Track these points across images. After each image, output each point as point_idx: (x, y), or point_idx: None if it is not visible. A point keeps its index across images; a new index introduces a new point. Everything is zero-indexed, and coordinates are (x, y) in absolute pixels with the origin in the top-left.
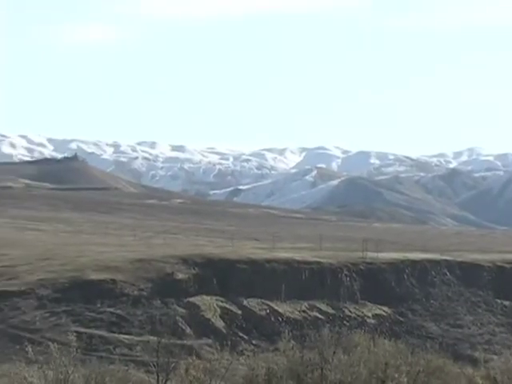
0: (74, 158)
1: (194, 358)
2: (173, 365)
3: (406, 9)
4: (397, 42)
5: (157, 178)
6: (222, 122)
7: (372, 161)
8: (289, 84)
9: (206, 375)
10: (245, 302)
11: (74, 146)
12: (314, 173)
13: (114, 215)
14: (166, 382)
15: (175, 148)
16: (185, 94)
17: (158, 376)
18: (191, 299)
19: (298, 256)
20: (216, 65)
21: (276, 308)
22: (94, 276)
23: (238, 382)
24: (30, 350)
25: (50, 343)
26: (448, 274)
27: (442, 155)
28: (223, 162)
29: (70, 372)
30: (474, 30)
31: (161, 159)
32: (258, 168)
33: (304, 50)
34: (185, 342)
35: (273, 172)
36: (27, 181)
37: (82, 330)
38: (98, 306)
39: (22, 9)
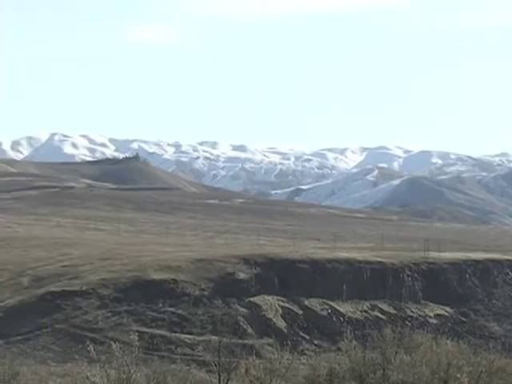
0: (136, 158)
1: (255, 357)
2: (234, 364)
3: (457, 7)
4: (451, 40)
5: (218, 178)
6: (283, 121)
7: (434, 160)
8: (350, 83)
9: (267, 375)
10: (306, 302)
11: (135, 146)
12: (376, 172)
13: (176, 215)
14: (227, 381)
15: (236, 148)
16: (246, 94)
17: (219, 376)
18: (252, 299)
19: (359, 256)
20: (276, 64)
21: (337, 308)
22: (155, 276)
23: (300, 382)
24: (92, 349)
25: (111, 343)
26: (510, 273)
27: (504, 154)
28: (284, 161)
29: (132, 371)
30: None
31: (222, 159)
32: (319, 168)
33: (362, 49)
34: (246, 341)
35: (334, 172)
36: (89, 181)
37: (144, 329)
38: (160, 305)
39: (89, 9)
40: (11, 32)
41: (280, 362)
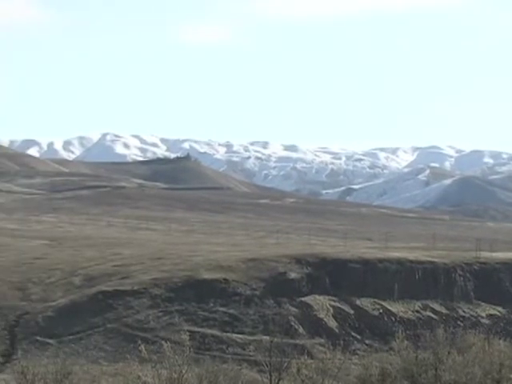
0: (187, 157)
1: (306, 357)
2: (285, 364)
3: None
4: (508, 39)
5: (269, 178)
6: (334, 121)
7: (486, 160)
8: (402, 83)
9: (319, 374)
10: (357, 302)
11: (186, 145)
12: (427, 172)
13: (227, 215)
14: (278, 381)
15: (287, 148)
16: (297, 93)
17: (270, 375)
18: (304, 299)
19: (410, 255)
20: (327, 64)
21: (389, 308)
22: (206, 275)
23: (352, 382)
24: (144, 349)
25: (163, 342)
26: None
27: None
28: (335, 161)
29: (183, 371)
30: None
31: (273, 159)
32: (370, 167)
33: (413, 49)
34: (297, 341)
35: (385, 171)
36: (140, 181)
37: (195, 329)
38: (211, 305)
39: (138, 10)
40: (64, 33)
41: (332, 362)
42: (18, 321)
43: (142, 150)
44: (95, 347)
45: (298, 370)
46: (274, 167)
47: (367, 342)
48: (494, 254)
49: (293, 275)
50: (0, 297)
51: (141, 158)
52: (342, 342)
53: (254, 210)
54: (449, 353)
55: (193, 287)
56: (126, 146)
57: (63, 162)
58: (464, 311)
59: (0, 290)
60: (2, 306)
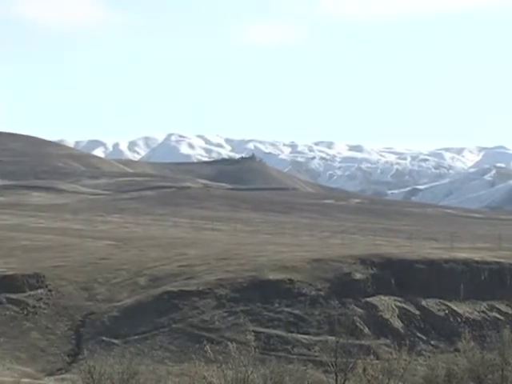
0: (252, 158)
1: (372, 358)
2: (351, 365)
3: None
4: None
5: (334, 178)
6: (399, 121)
7: None
8: (468, 83)
9: (385, 375)
10: (423, 302)
11: (251, 146)
12: (493, 172)
13: (292, 215)
14: (344, 381)
15: (352, 148)
16: (362, 93)
17: (336, 376)
18: (369, 299)
19: (476, 256)
20: (392, 64)
21: (455, 308)
22: (271, 276)
23: (418, 383)
24: (209, 349)
25: (228, 343)
26: None
27: None
28: (401, 161)
29: (249, 372)
30: None
31: (338, 159)
32: (435, 167)
33: (480, 47)
34: (363, 342)
35: (451, 171)
36: (205, 181)
37: (260, 329)
38: (276, 305)
39: (202, 11)
40: (129, 33)
41: (398, 363)
42: (83, 321)
43: (207, 151)
44: (161, 347)
45: (364, 370)
46: (339, 167)
47: (433, 342)
48: None
49: (358, 276)
50: (66, 297)
51: (205, 159)
52: (407, 343)
53: (318, 211)
54: None
55: (258, 288)
56: (191, 146)
57: (128, 162)
58: None
59: (66, 290)
60: (68, 305)
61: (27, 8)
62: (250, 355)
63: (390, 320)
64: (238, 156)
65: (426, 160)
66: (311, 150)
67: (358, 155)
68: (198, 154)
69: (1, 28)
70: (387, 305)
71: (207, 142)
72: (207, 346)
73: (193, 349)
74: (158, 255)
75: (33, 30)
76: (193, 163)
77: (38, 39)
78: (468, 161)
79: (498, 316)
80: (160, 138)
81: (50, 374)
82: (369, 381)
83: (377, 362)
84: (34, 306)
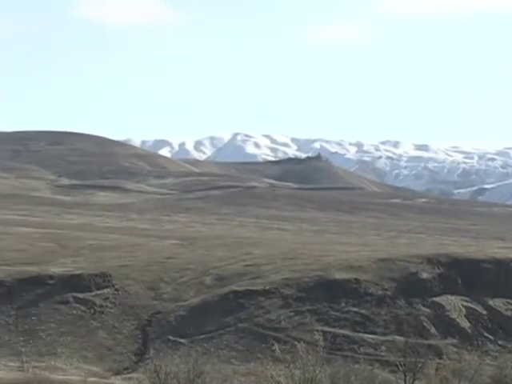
0: (318, 157)
1: (440, 358)
2: (419, 365)
3: None
4: None
5: (400, 178)
6: (466, 120)
7: None
8: None
9: (455, 376)
10: (490, 302)
11: (317, 145)
12: None
13: (358, 215)
14: (413, 381)
15: (419, 147)
16: (428, 92)
17: (405, 376)
18: (436, 299)
19: None
20: (457, 63)
21: None
22: (338, 275)
23: (486, 383)
24: (277, 348)
25: (296, 342)
26: None
27: None
28: (467, 160)
29: (316, 371)
30: None
31: (404, 158)
32: (502, 167)
33: None
34: (429, 341)
35: None
36: (271, 180)
37: (327, 329)
38: (342, 305)
39: (269, 11)
40: (194, 33)
41: (469, 364)
42: (150, 320)
43: (273, 150)
44: (227, 347)
45: (436, 371)
46: (405, 167)
47: (500, 342)
48: None
49: (424, 275)
50: (133, 296)
51: (271, 158)
52: (474, 343)
53: (385, 210)
54: None
55: (324, 287)
56: (257, 145)
57: (194, 162)
58: None
59: (133, 290)
60: (135, 305)
61: (88, 10)
62: (317, 355)
63: (457, 320)
64: (303, 155)
65: (493, 159)
66: (377, 150)
67: (425, 154)
68: (264, 154)
69: (61, 29)
70: (454, 304)
71: (273, 141)
72: (275, 346)
73: (259, 348)
74: (223, 255)
75: (93, 30)
76: (259, 163)
77: (100, 40)
78: None
79: None
80: (226, 137)
81: (117, 373)
82: (441, 381)
83: (447, 362)
84: (101, 306)
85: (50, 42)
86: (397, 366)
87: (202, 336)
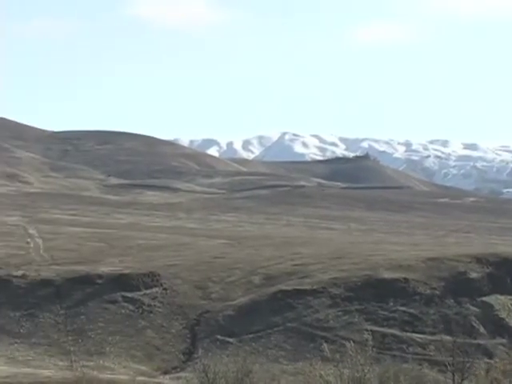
0: (366, 156)
1: (489, 358)
2: (468, 365)
3: None
4: None
5: (449, 177)
6: None
7: None
8: None
9: (506, 377)
10: None
11: (365, 144)
12: None
13: (406, 214)
14: (461, 381)
15: (468, 146)
16: (479, 92)
17: (453, 375)
18: (484, 298)
19: None
20: (507, 61)
21: None
22: (386, 275)
23: None
24: (326, 348)
25: (345, 342)
26: None
27: None
28: None
29: (365, 371)
30: None
31: (453, 158)
32: None
33: None
34: (478, 341)
35: None
36: (319, 180)
37: (375, 328)
38: (391, 304)
39: (316, 10)
40: (246, 34)
41: None
42: (198, 320)
43: (321, 149)
44: (275, 346)
45: (487, 372)
46: (454, 166)
47: None
48: None
49: (473, 275)
50: (181, 296)
51: (320, 158)
52: None
53: (433, 209)
54: None
55: (372, 286)
56: (305, 145)
57: (242, 161)
58: None
59: (181, 289)
60: (183, 304)
61: (143, 9)
62: (366, 354)
63: (507, 319)
64: (352, 155)
65: None
66: (426, 149)
67: (474, 154)
68: (312, 153)
69: (111, 29)
70: (503, 304)
71: (321, 140)
72: (324, 345)
73: (307, 348)
74: (272, 254)
75: (143, 30)
76: (307, 162)
77: (149, 39)
78: None
79: None
80: (274, 136)
81: (165, 373)
82: (491, 382)
83: (497, 363)
84: (150, 305)
85: (100, 42)
86: (445, 365)
87: (251, 335)
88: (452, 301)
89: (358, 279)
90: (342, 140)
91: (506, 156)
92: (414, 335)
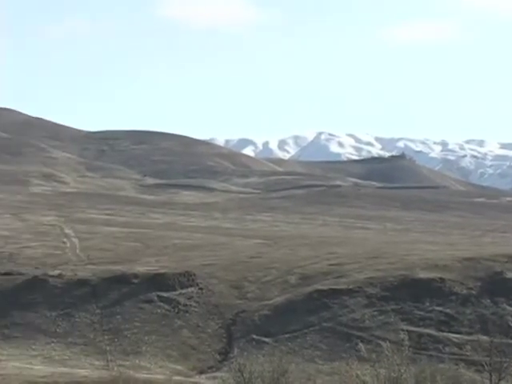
0: (402, 156)
1: None
2: (505, 365)
3: None
4: None
5: (485, 176)
6: None
7: None
8: None
9: None
10: None
11: (401, 144)
12: None
13: (442, 214)
14: (498, 381)
15: (504, 146)
16: None
17: (490, 375)
18: None
19: None
20: None
21: None
22: (422, 275)
23: None
24: (362, 348)
25: (381, 342)
26: None
27: None
28: None
29: (402, 371)
30: None
31: (489, 157)
32: None
33: None
34: None
35: None
36: (355, 179)
37: (411, 328)
38: (427, 304)
39: (353, 10)
40: (281, 35)
41: None
42: (234, 319)
43: (357, 149)
44: (311, 346)
45: None
46: (490, 166)
47: None
48: None
49: (510, 274)
50: (217, 295)
51: (355, 157)
52: None
53: (469, 209)
54: None
55: (408, 286)
56: (341, 144)
57: (278, 161)
58: None
59: (217, 289)
60: (220, 304)
61: (172, 10)
62: (403, 354)
63: None
64: (387, 154)
65: None
66: (462, 149)
67: (510, 153)
68: (348, 153)
69: (147, 29)
70: None
71: (357, 140)
72: (360, 345)
73: (343, 347)
74: (307, 254)
75: (178, 30)
76: (343, 162)
77: (184, 40)
78: None
79: None
80: (310, 136)
81: (201, 372)
82: None
83: None
84: (185, 305)
85: (135, 42)
86: (482, 365)
87: (286, 335)
88: (488, 301)
89: (394, 279)
90: (378, 140)
91: None
92: (451, 335)
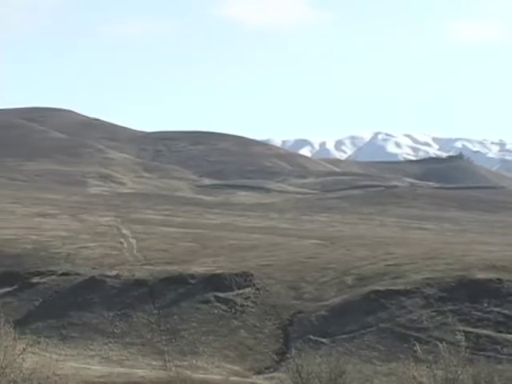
0: (459, 156)
1: None
2: None
3: None
4: None
5: None
6: None
7: None
8: None
9: None
10: None
11: (458, 144)
12: None
13: (500, 214)
14: None
15: None
16: None
17: None
18: None
19: None
20: None
21: None
22: (480, 275)
23: None
24: (419, 349)
25: (438, 343)
26: None
27: None
28: None
29: (459, 372)
30: None
31: None
32: None
33: None
34: None
35: None
36: (412, 180)
37: (469, 329)
38: (485, 305)
39: (413, 9)
40: (336, 34)
41: None
42: (291, 320)
43: (414, 149)
44: (368, 347)
45: None
46: None
47: None
48: None
49: None
50: (274, 296)
51: (412, 158)
52: None
53: None
54: None
55: (466, 287)
56: (398, 145)
57: (335, 161)
58: None
59: (274, 289)
60: (277, 304)
61: (229, 9)
62: (459, 355)
63: None
64: (445, 155)
65: None
66: None
67: None
68: (405, 153)
69: (203, 29)
70: None
71: (414, 140)
72: (417, 346)
73: (400, 348)
74: (364, 254)
75: (234, 30)
76: (399, 162)
77: (240, 40)
78: None
79: None
80: (367, 136)
81: (259, 373)
82: None
83: None
84: (242, 305)
85: (191, 43)
86: None
87: (344, 336)
88: None
89: (452, 280)
90: (435, 140)
91: None
92: (509, 336)
